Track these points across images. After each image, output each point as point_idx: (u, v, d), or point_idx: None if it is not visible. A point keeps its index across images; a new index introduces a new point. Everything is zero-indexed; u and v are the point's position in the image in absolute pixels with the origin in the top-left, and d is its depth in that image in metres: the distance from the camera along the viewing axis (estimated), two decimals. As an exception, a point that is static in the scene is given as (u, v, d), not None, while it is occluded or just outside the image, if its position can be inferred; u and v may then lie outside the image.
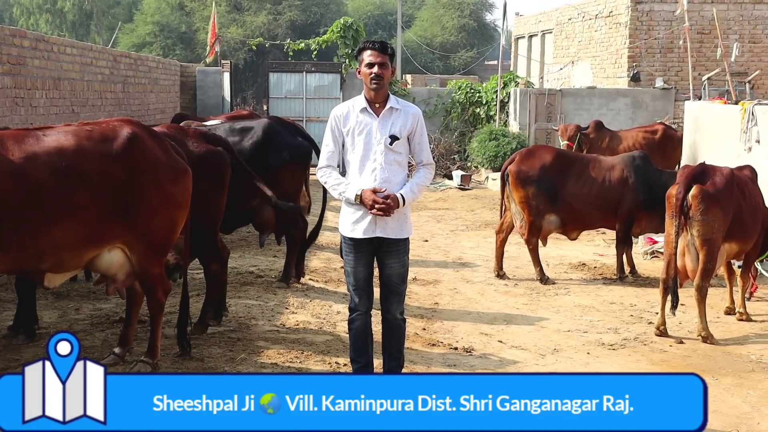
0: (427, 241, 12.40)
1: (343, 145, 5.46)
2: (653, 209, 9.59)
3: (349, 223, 5.42)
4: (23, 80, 10.26)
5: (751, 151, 10.27)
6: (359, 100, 5.46)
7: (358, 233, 5.39)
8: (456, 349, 7.00)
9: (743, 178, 7.91)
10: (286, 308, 7.79)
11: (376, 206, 5.26)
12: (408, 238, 5.55)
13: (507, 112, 20.34)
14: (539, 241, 10.06)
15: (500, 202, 10.17)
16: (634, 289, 9.45)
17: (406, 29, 46.54)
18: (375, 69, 5.34)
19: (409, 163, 5.64)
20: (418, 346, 6.99)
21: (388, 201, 5.29)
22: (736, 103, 11.40)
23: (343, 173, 5.54)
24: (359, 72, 5.43)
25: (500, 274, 9.89)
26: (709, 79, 17.08)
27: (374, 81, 5.33)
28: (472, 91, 21.33)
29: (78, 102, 12.19)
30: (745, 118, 10.45)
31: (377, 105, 5.42)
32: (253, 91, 36.90)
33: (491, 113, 20.65)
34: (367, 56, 5.37)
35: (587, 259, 11.00)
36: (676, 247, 7.48)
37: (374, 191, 5.28)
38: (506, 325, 7.91)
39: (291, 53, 21.65)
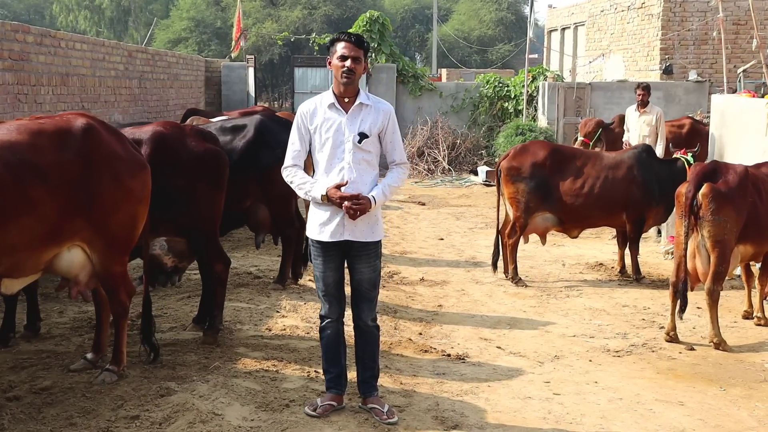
0: (442, 239, 12.09)
1: (310, 144, 5.16)
2: (661, 203, 9.26)
3: (316, 225, 5.14)
4: (27, 76, 10.10)
5: (777, 147, 9.76)
6: (327, 96, 5.16)
7: (326, 236, 5.10)
8: (449, 356, 6.66)
9: (760, 176, 7.44)
10: (277, 311, 7.51)
11: (345, 202, 4.94)
12: (380, 241, 5.24)
13: (535, 107, 19.89)
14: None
15: (497, 200, 9.79)
16: (650, 291, 9.04)
17: (442, 23, 46.14)
18: (348, 63, 5.03)
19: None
20: (409, 353, 6.67)
21: (359, 200, 4.97)
22: (763, 96, 10.87)
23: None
24: (330, 63, 5.12)
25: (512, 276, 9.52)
26: (744, 71, 16.47)
27: (345, 75, 5.03)
28: (501, 85, 20.88)
29: (88, 98, 12.03)
30: (771, 111, 9.92)
31: (346, 100, 5.12)
32: (288, 87, 36.80)
33: (519, 108, 20.21)
34: (341, 48, 5.07)
35: (606, 259, 10.60)
36: (686, 249, 7.07)
37: (338, 186, 4.99)
38: (509, 329, 7.57)
39: (317, 48, 21.40)
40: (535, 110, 19.87)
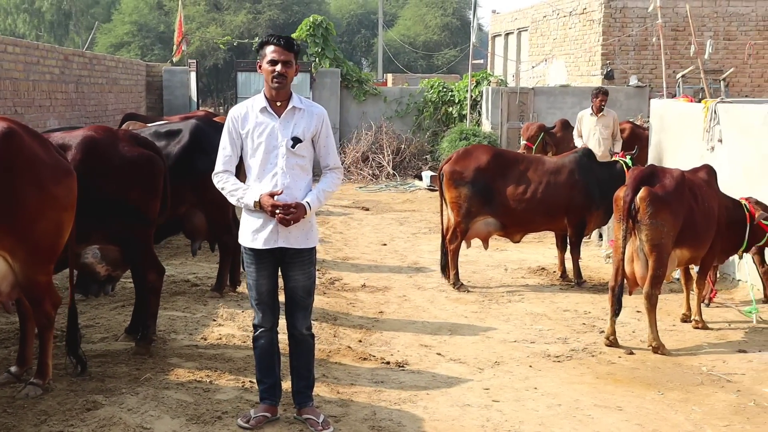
0: (385, 244, 12.02)
1: (242, 149, 5.03)
2: (601, 206, 9.30)
3: (249, 232, 5.01)
4: (-46, 80, 9.78)
5: (713, 151, 9.85)
6: (259, 99, 5.05)
7: (259, 243, 4.97)
8: (388, 363, 6.57)
9: (696, 181, 7.50)
10: (213, 320, 7.35)
11: (279, 213, 4.83)
12: (314, 247, 5.13)
13: (479, 112, 19.96)
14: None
15: (440, 205, 9.73)
16: (591, 295, 9.05)
17: (388, 28, 46.16)
18: (278, 67, 4.93)
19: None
20: (348, 361, 6.56)
21: (292, 208, 4.86)
22: (700, 101, 10.99)
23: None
24: (260, 67, 5.01)
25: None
26: (683, 76, 16.70)
27: (276, 80, 4.93)
28: (445, 90, 20.90)
29: (22, 102, 11.70)
30: (707, 116, 10.02)
31: (279, 104, 5.01)
32: (234, 92, 36.52)
33: (464, 112, 20.25)
34: (270, 52, 4.96)
35: (548, 263, 10.60)
36: (623, 253, 7.07)
37: (272, 195, 4.86)
38: (450, 335, 7.51)
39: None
40: (479, 115, 19.93)
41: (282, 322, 5.22)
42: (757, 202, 7.92)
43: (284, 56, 4.93)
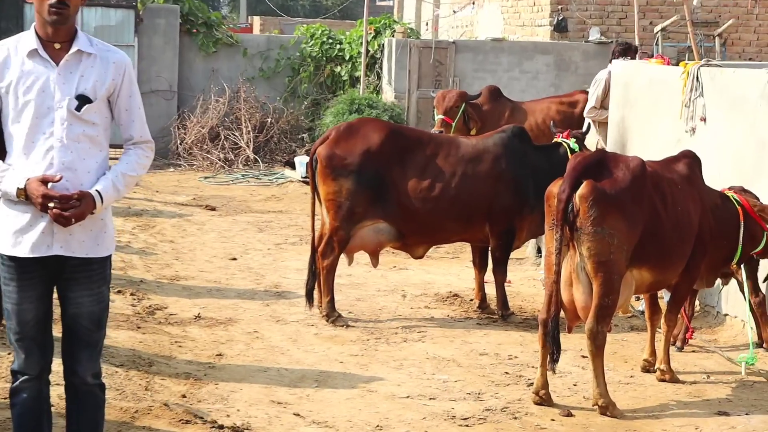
0: (235, 259, 12.11)
1: (0, 110, 4.97)
2: (537, 207, 9.27)
3: (9, 233, 4.92)
4: None
5: (695, 134, 10.12)
6: (26, 38, 4.99)
7: (24, 250, 4.89)
8: (221, 428, 6.59)
9: (665, 174, 7.66)
10: (-40, 366, 7.26)
11: (53, 207, 4.75)
12: (109, 257, 5.10)
13: (378, 74, 20.15)
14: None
15: (311, 201, 9.77)
16: (520, 333, 9.25)
17: (256, -49, 46.21)
18: (57, -9, 4.88)
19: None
20: (163, 425, 6.56)
21: (74, 200, 4.79)
22: (678, 63, 11.30)
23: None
24: (30, -8, 4.96)
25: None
26: (663, 30, 17.13)
27: (54, 10, 4.87)
28: (331, 41, 21.04)
29: None
30: (687, 85, 10.28)
31: (57, 46, 4.96)
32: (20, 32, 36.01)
33: (357, 74, 20.42)
34: (45, -30, 4.91)
35: (464, 288, 10.77)
36: (558, 273, 7.18)
37: (44, 181, 4.79)
38: (316, 388, 7.60)
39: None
40: (379, 78, 20.14)
41: (57, 368, 5.16)
42: (744, 190, 8.15)
43: (65, -24, 4.89)
